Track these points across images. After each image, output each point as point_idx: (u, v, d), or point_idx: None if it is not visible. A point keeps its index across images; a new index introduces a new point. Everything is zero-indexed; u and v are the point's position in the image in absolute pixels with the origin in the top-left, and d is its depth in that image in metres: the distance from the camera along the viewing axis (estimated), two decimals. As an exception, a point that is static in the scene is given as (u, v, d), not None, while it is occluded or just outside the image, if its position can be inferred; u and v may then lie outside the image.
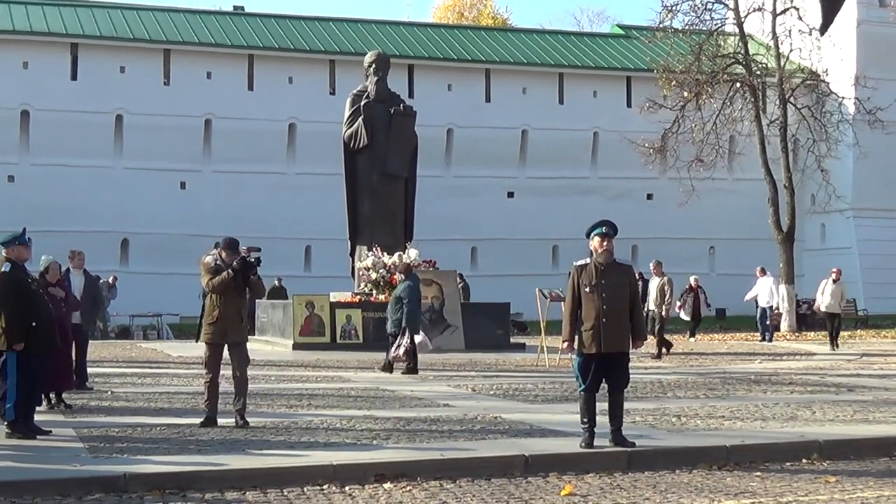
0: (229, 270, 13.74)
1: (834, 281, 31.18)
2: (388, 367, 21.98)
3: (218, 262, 13.93)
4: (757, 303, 35.59)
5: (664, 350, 27.32)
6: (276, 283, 38.98)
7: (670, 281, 28.10)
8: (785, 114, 43.78)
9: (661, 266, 28.37)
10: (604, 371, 12.12)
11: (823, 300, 31.41)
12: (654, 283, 28.26)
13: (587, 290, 12.14)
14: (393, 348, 21.66)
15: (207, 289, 13.93)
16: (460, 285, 33.00)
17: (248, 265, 13.88)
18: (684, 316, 36.11)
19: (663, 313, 27.65)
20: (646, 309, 26.68)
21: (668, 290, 27.82)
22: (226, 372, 14.09)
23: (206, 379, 13.87)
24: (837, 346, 30.65)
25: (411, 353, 21.65)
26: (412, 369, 21.69)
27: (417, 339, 21.74)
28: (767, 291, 34.84)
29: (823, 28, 7.41)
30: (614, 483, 10.76)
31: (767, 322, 35.09)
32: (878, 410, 15.61)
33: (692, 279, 36.52)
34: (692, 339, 35.26)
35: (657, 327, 27.59)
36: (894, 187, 52.25)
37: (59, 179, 46.36)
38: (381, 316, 29.46)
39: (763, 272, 35.75)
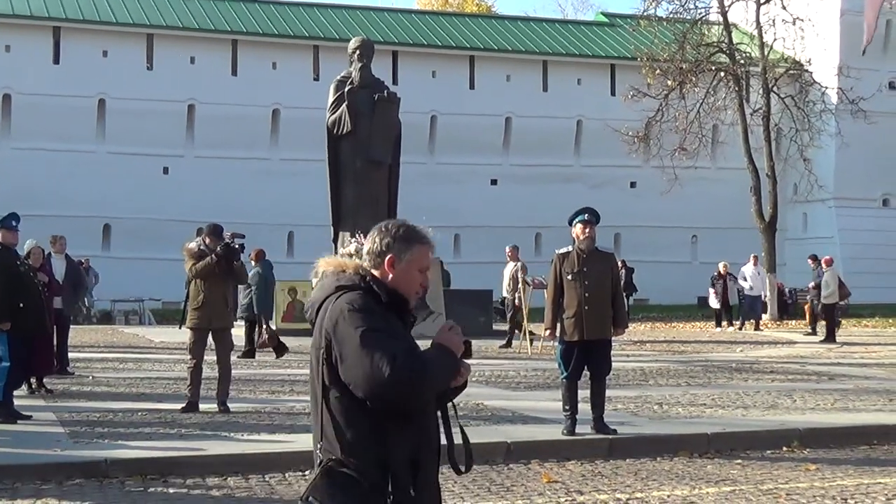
0: (213, 256, 13.73)
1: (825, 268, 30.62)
2: (251, 353, 22.26)
3: (202, 248, 13.92)
4: (741, 290, 35.07)
5: (522, 335, 25.95)
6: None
7: (524, 266, 26.63)
8: (768, 103, 43.82)
9: (516, 251, 27.25)
10: (586, 358, 12.15)
11: (823, 290, 30.06)
12: (508, 269, 26.95)
13: (569, 277, 12.14)
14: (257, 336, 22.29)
15: (191, 274, 13.92)
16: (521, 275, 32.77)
17: (232, 251, 13.87)
18: (714, 304, 35.50)
19: (516, 301, 26.25)
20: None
21: (522, 276, 26.28)
22: (209, 357, 14.08)
23: (189, 364, 13.87)
24: (835, 339, 28.99)
25: (249, 334, 22.05)
26: (249, 353, 22.11)
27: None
28: (760, 281, 34.61)
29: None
30: (596, 470, 10.79)
31: (749, 310, 34.81)
32: (859, 399, 15.68)
33: (721, 265, 35.52)
34: (718, 329, 34.43)
35: (509, 314, 26.82)
36: (876, 177, 52.41)
37: (41, 164, 46.15)
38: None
39: (756, 261, 35.42)
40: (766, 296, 37.05)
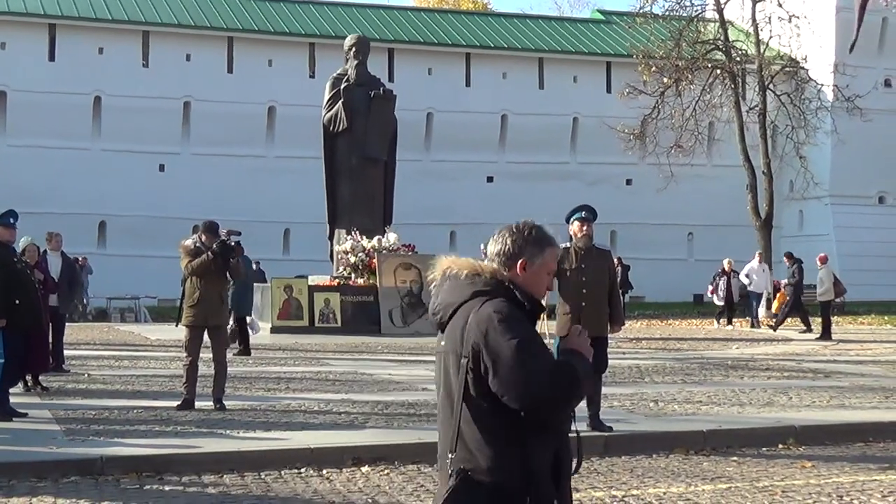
0: (209, 253, 13.72)
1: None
2: (247, 351, 22.34)
3: (198, 245, 13.92)
4: (742, 286, 34.61)
5: None
6: (254, 266, 38.84)
7: None
8: (764, 100, 43.88)
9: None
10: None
11: (819, 288, 30.06)
12: None
13: (567, 273, 12.13)
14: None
15: (187, 271, 13.91)
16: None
17: (228, 248, 13.86)
18: (717, 301, 34.82)
19: None
20: None
21: None
22: (204, 355, 14.07)
23: (185, 362, 13.86)
24: (830, 337, 28.77)
25: (238, 334, 21.89)
26: (245, 351, 21.86)
27: (248, 320, 22.48)
28: (764, 278, 34.34)
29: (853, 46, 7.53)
30: (591, 467, 10.78)
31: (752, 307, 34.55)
32: (854, 396, 15.68)
33: (725, 262, 34.88)
34: (728, 327, 33.78)
35: None
36: (872, 174, 52.43)
37: (37, 161, 46.10)
38: (359, 300, 29.57)
39: (761, 258, 35.19)
40: (769, 293, 36.72)
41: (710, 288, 35.06)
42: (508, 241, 4.36)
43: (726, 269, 34.62)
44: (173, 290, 42.36)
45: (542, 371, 4.03)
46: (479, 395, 4.07)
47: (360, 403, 14.29)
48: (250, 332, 22.71)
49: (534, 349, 4.07)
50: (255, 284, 33.50)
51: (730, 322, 34.37)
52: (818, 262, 30.34)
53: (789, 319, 32.63)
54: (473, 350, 4.07)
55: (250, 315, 22.74)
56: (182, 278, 14.21)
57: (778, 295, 34.66)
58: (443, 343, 4.26)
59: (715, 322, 35.04)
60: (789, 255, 32.89)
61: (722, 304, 34.67)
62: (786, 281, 32.47)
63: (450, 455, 4.10)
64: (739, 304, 35.31)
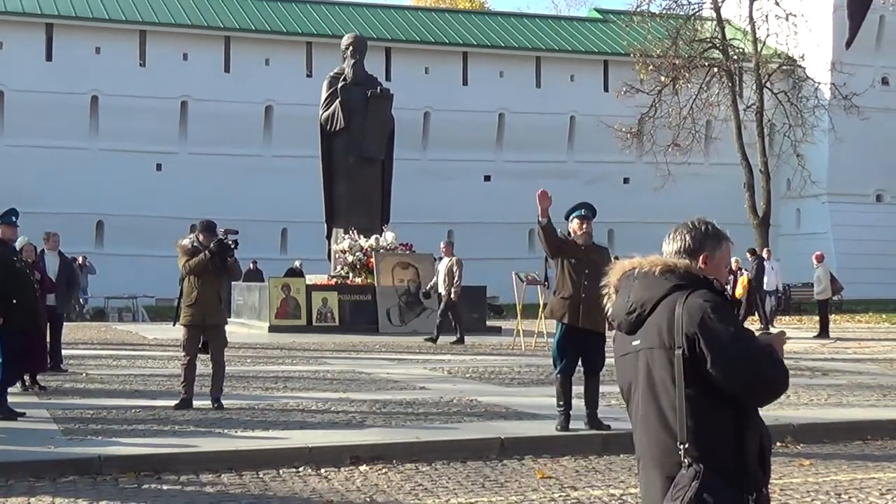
0: (206, 252, 13.71)
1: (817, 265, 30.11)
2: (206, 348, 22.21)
3: (195, 245, 13.90)
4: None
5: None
6: (252, 265, 38.92)
7: (459, 262, 26.01)
8: (761, 99, 43.89)
9: (451, 247, 26.68)
10: (580, 353, 12.13)
11: (816, 286, 29.95)
12: (443, 264, 26.20)
13: (572, 261, 12.12)
14: None
15: (184, 271, 13.90)
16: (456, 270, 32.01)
17: (226, 247, 13.84)
18: None
19: (452, 295, 25.63)
20: (436, 290, 25.97)
21: (457, 270, 25.66)
22: (202, 354, 14.07)
23: (183, 361, 13.85)
24: (828, 335, 28.70)
25: None
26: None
27: None
28: (773, 276, 33.19)
29: (849, 43, 7.51)
30: (589, 466, 10.78)
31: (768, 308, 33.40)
32: (852, 394, 15.69)
33: (733, 260, 32.82)
34: None
35: (440, 310, 25.99)
36: (869, 172, 52.48)
37: (34, 161, 46.09)
38: (357, 299, 29.57)
39: (769, 255, 34.34)
40: (779, 291, 35.73)
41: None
42: (688, 238, 4.47)
43: (733, 267, 33.19)
44: (171, 289, 42.36)
45: (761, 357, 4.13)
46: (694, 383, 4.14)
47: (358, 402, 14.28)
48: None
49: (750, 336, 4.18)
50: (252, 284, 33.64)
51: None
52: (814, 261, 30.27)
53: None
54: (688, 340, 4.13)
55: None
56: (180, 278, 14.20)
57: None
58: (637, 342, 4.32)
59: None
60: (752, 252, 32.69)
61: None
62: (748, 275, 32.03)
63: (681, 447, 4.14)
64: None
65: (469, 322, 29.76)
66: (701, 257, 4.39)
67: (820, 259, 30.24)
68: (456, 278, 25.63)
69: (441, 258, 26.99)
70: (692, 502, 4.06)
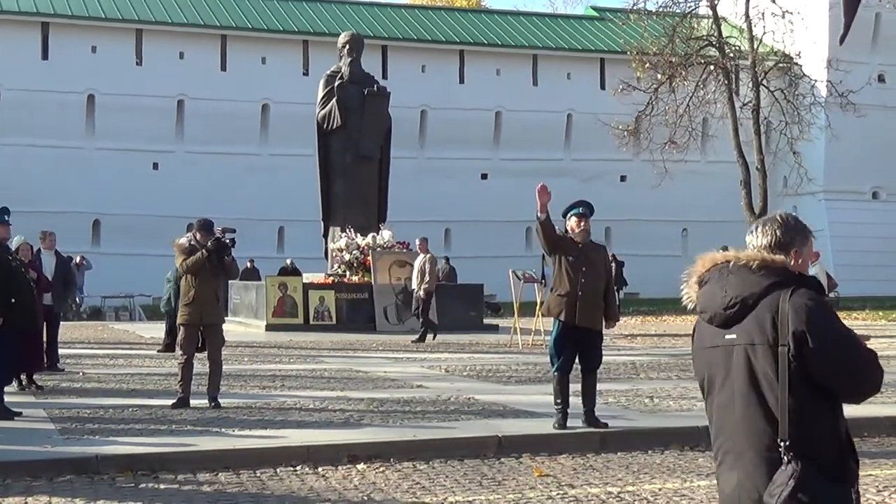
0: (203, 251, 13.69)
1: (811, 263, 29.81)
2: (171, 347, 22.20)
3: (192, 243, 13.88)
4: None
5: (429, 333, 25.54)
6: (249, 264, 38.88)
7: (432, 258, 26.07)
8: (758, 96, 43.85)
9: (426, 242, 26.31)
10: (577, 350, 12.13)
11: None
12: (418, 262, 26.04)
13: (569, 258, 12.12)
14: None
15: (181, 269, 13.89)
16: (445, 269, 32.17)
17: (223, 246, 13.82)
18: None
19: (421, 293, 25.45)
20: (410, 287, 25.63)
21: (429, 267, 25.61)
22: (199, 353, 14.06)
23: (180, 360, 13.83)
24: None
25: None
26: (169, 347, 21.80)
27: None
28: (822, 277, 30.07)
29: (842, 38, 7.51)
30: (587, 464, 10.79)
31: None
32: (849, 392, 15.68)
33: None
34: None
35: (419, 308, 25.74)
36: (866, 170, 52.53)
37: (31, 160, 46.07)
38: (354, 297, 29.58)
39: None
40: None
41: None
42: (778, 233, 4.44)
43: None
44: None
45: (865, 356, 4.19)
46: (798, 380, 4.17)
47: (356, 401, 14.28)
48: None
49: (854, 335, 4.23)
50: (249, 282, 33.63)
51: None
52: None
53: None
54: (795, 337, 4.15)
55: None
56: (176, 277, 14.19)
57: None
58: (732, 336, 4.33)
59: None
60: (724, 249, 32.27)
61: None
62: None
63: (782, 443, 4.16)
64: None
65: (466, 320, 29.83)
66: (793, 252, 4.42)
67: (816, 257, 30.03)
68: (427, 276, 25.45)
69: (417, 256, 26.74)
70: (789, 499, 4.10)
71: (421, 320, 25.71)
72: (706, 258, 4.57)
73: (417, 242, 26.81)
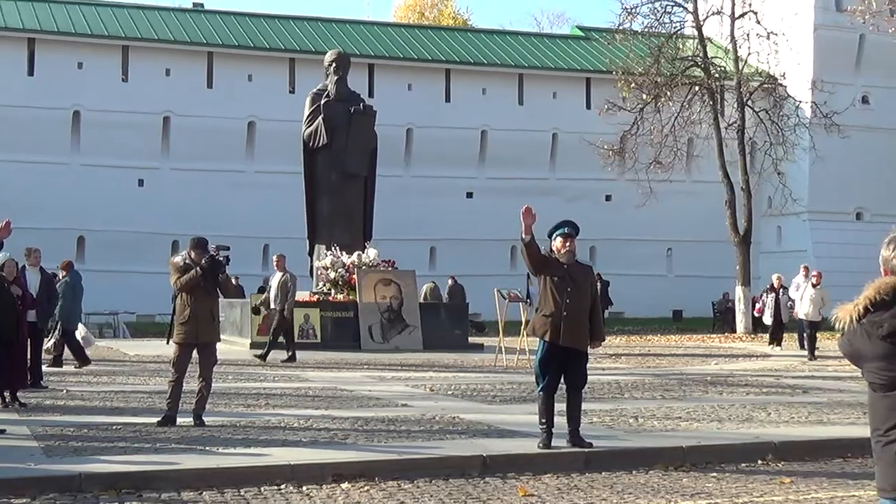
0: (197, 269, 13.65)
1: (814, 285, 27.86)
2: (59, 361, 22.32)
3: (187, 262, 13.82)
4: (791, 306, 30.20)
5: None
6: (234, 281, 38.82)
7: (293, 277, 25.41)
8: (743, 117, 44.05)
9: (283, 260, 25.41)
10: (562, 370, 12.15)
11: (801, 307, 27.94)
12: (276, 279, 25.32)
13: (555, 279, 12.13)
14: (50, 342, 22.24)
15: (176, 288, 13.84)
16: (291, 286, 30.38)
17: (217, 264, 13.78)
18: (766, 320, 31.62)
19: (285, 312, 24.98)
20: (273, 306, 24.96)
21: (292, 286, 24.99)
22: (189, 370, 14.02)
23: (171, 378, 13.74)
24: (815, 357, 27.07)
25: (76, 348, 22.10)
26: (85, 360, 22.06)
27: (80, 333, 22.80)
28: (818, 301, 27.86)
29: None
30: (571, 483, 10.79)
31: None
32: (833, 412, 15.73)
33: (774, 277, 31.44)
34: (778, 349, 30.87)
35: (273, 328, 25.25)
36: (849, 191, 52.71)
37: (15, 175, 45.96)
38: (339, 315, 29.54)
39: (807, 272, 30.20)
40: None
41: (758, 306, 32.39)
42: None
43: (775, 285, 31.30)
44: (153, 305, 42.40)
45: None
46: None
47: (340, 419, 14.27)
48: (84, 343, 22.72)
49: None
50: (234, 300, 33.54)
51: (779, 343, 31.30)
52: (811, 279, 28.64)
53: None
54: None
55: (77, 327, 22.77)
56: (172, 295, 14.13)
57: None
58: None
59: (769, 345, 31.77)
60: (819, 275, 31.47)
61: (770, 322, 31.43)
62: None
63: None
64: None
65: (451, 339, 29.82)
66: None
67: (818, 278, 28.36)
68: (290, 294, 24.95)
69: (273, 273, 26.13)
70: None
71: (283, 340, 25.17)
72: (883, 283, 4.87)
73: (275, 259, 25.97)
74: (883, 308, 4.65)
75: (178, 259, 14.04)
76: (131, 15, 51.81)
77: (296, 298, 25.95)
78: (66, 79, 47.66)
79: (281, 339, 25.22)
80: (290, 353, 24.85)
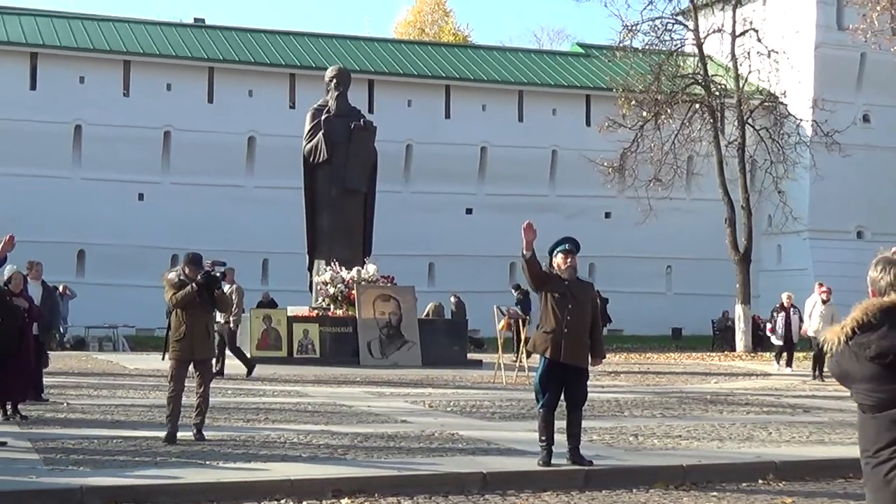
0: (193, 285, 13.63)
1: (823, 302, 27.30)
2: None
3: (182, 278, 13.80)
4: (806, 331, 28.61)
5: (248, 369, 24.77)
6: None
7: (240, 289, 25.03)
8: (743, 135, 44.09)
9: (232, 273, 23.89)
10: (563, 387, 12.15)
11: (811, 324, 27.22)
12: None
13: (555, 295, 12.14)
14: None
15: (171, 304, 13.81)
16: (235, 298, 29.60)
17: (213, 279, 13.77)
18: (775, 340, 30.70)
19: (231, 325, 24.48)
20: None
21: (237, 298, 24.27)
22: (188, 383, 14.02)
23: (169, 394, 13.71)
24: (823, 378, 25.96)
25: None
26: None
27: None
28: (828, 318, 26.45)
29: None
30: (571, 501, 10.79)
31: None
32: (834, 432, 15.73)
33: (784, 296, 30.48)
34: (787, 370, 30.11)
35: (228, 344, 24.64)
36: (850, 209, 52.72)
37: (17, 189, 45.95)
38: (338, 331, 29.54)
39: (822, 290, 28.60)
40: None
41: (769, 326, 31.66)
42: None
43: (786, 304, 30.29)
44: (152, 319, 42.32)
45: None
46: None
47: (340, 435, 14.27)
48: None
49: None
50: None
51: (789, 364, 30.51)
52: (821, 296, 27.74)
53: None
54: None
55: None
56: (167, 311, 14.11)
57: None
58: None
59: (775, 363, 31.36)
60: (517, 287, 31.68)
61: (780, 342, 30.49)
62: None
63: None
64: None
65: (450, 355, 29.82)
66: None
67: (827, 294, 27.62)
68: (234, 307, 23.95)
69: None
70: None
71: (236, 355, 24.89)
72: (870, 304, 4.75)
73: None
74: (870, 329, 4.64)
75: (172, 275, 14.00)
76: (133, 30, 51.90)
77: (240, 311, 25.35)
78: (68, 93, 47.72)
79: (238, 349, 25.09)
80: (219, 367, 23.62)
